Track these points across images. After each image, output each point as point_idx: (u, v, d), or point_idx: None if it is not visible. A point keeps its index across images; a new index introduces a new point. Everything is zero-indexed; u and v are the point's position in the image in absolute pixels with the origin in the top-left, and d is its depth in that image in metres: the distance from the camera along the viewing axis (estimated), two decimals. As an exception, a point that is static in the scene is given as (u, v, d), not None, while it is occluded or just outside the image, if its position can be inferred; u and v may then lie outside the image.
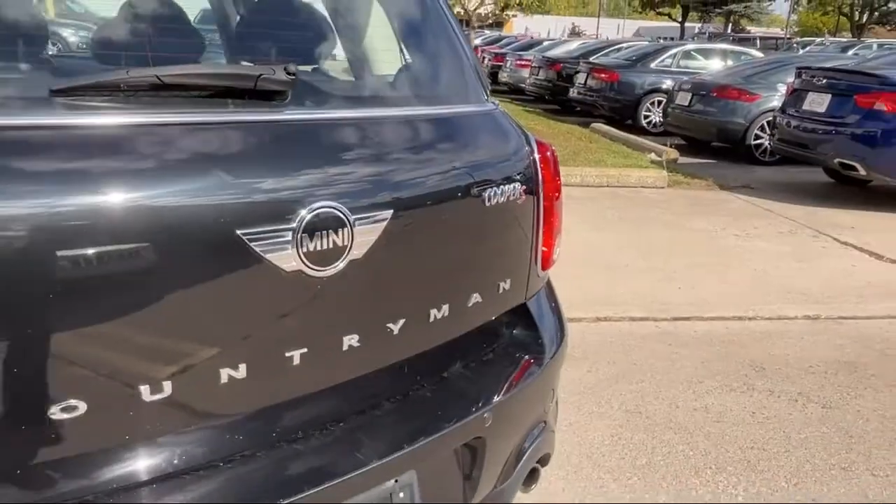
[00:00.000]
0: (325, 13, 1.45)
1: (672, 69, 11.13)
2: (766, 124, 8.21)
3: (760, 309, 3.71)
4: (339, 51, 1.47)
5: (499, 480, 1.51)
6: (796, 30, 53.82)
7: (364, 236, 1.15)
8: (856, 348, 3.28)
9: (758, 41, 27.31)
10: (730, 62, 11.29)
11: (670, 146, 8.55)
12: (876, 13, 43.30)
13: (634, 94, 10.91)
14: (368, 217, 1.16)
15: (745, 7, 37.50)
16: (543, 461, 1.64)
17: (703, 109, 8.76)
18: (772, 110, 7.97)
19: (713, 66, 11.12)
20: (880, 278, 4.34)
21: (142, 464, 1.03)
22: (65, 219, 0.90)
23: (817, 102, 6.43)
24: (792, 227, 5.53)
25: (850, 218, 5.83)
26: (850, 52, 21.17)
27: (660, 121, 10.48)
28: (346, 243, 1.13)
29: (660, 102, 10.68)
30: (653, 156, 8.02)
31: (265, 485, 1.11)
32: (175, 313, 1.01)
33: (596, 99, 11.33)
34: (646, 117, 10.94)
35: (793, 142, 6.74)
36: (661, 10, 49.82)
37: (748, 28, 42.25)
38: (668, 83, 10.58)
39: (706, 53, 11.87)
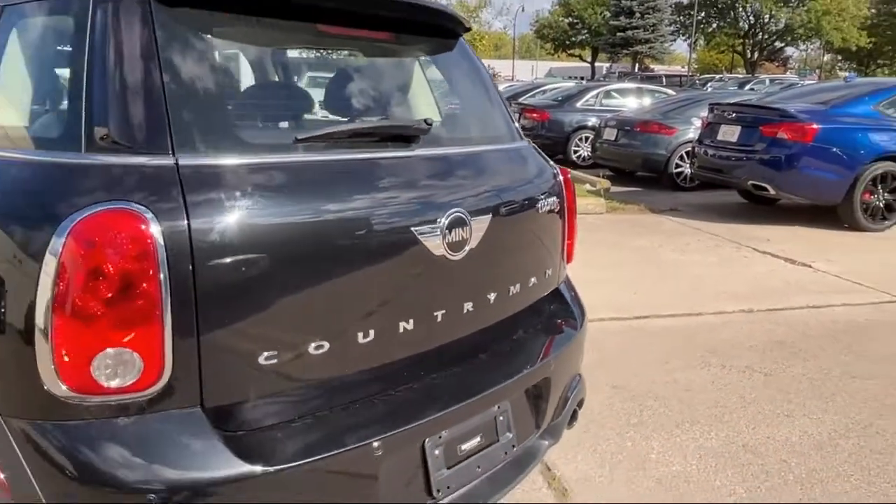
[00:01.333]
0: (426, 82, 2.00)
1: (596, 108, 12.13)
2: (684, 154, 9.18)
3: (704, 307, 4.40)
4: (435, 107, 2.01)
5: (554, 415, 2.04)
6: (695, 67, 57.68)
7: (477, 232, 1.69)
8: (784, 331, 3.99)
9: (663, 78, 29.36)
10: (646, 100, 12.40)
11: (602, 177, 9.39)
12: (765, 51, 47.17)
13: (564, 132, 11.81)
14: (479, 218, 1.70)
15: (650, 48, 40.11)
16: (580, 404, 2.18)
17: (629, 143, 9.68)
18: (689, 142, 8.95)
19: (630, 104, 12.20)
20: (795, 278, 5.15)
21: (358, 384, 1.52)
22: (326, 223, 1.41)
23: (729, 133, 7.37)
24: (718, 241, 6.34)
25: (765, 231, 6.71)
26: (748, 87, 23.32)
27: (588, 155, 11.39)
28: (467, 237, 1.66)
29: (587, 138, 11.61)
30: (588, 186, 8.81)
31: (424, 403, 1.61)
32: (379, 282, 1.51)
33: (528, 137, 12.16)
34: (575, 152, 11.83)
35: (711, 168, 7.65)
36: (571, 51, 52.62)
37: (651, 66, 45.07)
38: (593, 120, 11.54)
39: (624, 93, 12.97)
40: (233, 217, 1.31)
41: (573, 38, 49.86)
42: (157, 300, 1.23)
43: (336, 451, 1.40)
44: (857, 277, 5.14)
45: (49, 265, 1.20)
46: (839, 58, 54.17)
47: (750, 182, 7.07)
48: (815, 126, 6.60)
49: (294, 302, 1.40)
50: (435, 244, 1.59)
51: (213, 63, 1.47)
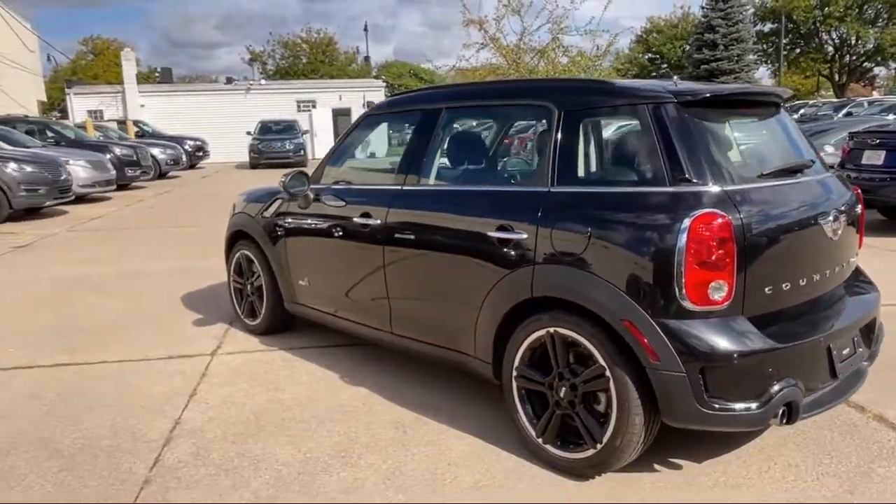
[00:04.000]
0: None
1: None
2: (820, 178, 10.07)
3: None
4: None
5: (873, 343, 3.15)
6: (779, 93, 56.99)
7: (842, 223, 2.86)
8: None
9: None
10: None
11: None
12: (854, 73, 46.60)
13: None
14: (842, 216, 2.87)
15: (735, 78, 40.47)
16: (881, 337, 3.27)
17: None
18: (825, 167, 9.87)
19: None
20: (966, 276, 6.03)
21: (802, 309, 2.70)
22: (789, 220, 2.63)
23: (874, 157, 8.29)
24: (876, 251, 7.24)
25: (919, 242, 7.55)
26: (845, 111, 23.69)
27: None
28: (839, 226, 2.84)
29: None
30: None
31: (828, 323, 2.77)
32: (805, 249, 2.70)
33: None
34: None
35: (857, 189, 8.54)
36: (652, 86, 53.24)
37: (734, 96, 44.95)
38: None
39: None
40: (753, 211, 2.53)
41: (653, 74, 50.68)
42: (732, 255, 2.46)
43: (804, 340, 2.59)
44: None
45: (681, 241, 2.45)
46: (933, 74, 52.73)
47: (901, 199, 7.95)
48: (960, 146, 7.47)
49: (773, 259, 2.60)
50: (829, 229, 2.78)
51: (714, 135, 2.73)
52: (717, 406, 2.48)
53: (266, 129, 25.96)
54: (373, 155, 14.72)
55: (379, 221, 3.61)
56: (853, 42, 45.67)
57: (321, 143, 30.20)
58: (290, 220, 4.32)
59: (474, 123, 3.56)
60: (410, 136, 3.65)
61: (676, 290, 2.47)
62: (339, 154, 4.24)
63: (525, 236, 2.89)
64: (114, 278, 6.89)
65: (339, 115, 30.91)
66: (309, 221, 4.16)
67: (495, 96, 3.41)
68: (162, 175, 20.47)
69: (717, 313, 2.50)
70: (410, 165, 3.57)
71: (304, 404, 3.66)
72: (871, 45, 44.92)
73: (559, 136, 2.92)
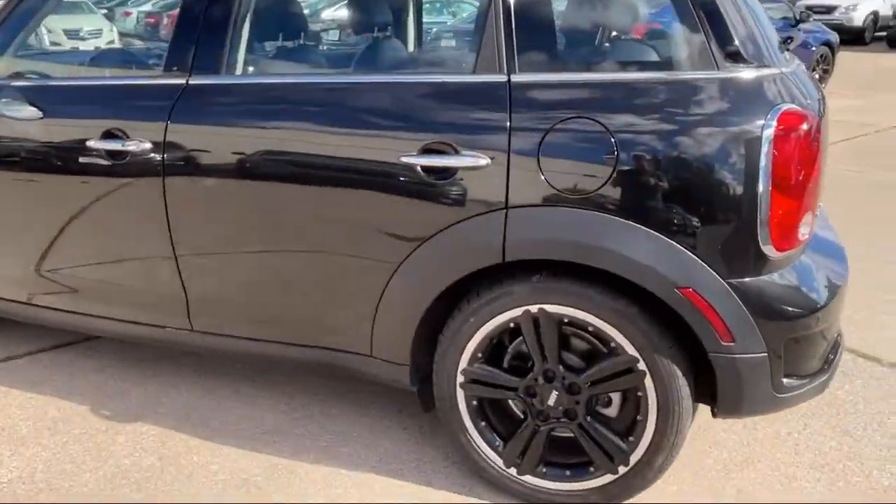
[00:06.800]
0: None
1: None
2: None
3: None
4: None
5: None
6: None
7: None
8: None
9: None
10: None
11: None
12: None
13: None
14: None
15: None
16: None
17: None
18: None
19: None
20: None
21: None
22: None
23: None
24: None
25: None
26: None
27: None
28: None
29: None
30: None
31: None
32: None
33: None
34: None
35: None
36: None
37: None
38: None
39: None
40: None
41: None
42: (818, 172, 1.67)
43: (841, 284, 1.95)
44: None
45: (765, 155, 1.58)
46: None
47: None
48: None
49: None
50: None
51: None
52: (793, 385, 1.77)
53: None
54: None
55: (147, 147, 2.02)
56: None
57: None
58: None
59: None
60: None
61: (758, 232, 1.62)
62: (14, 25, 2.34)
63: (485, 162, 1.72)
64: None
65: None
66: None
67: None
68: None
69: (792, 259, 1.73)
70: (199, 45, 2.01)
71: (56, 481, 2.04)
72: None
73: (507, -10, 1.74)
